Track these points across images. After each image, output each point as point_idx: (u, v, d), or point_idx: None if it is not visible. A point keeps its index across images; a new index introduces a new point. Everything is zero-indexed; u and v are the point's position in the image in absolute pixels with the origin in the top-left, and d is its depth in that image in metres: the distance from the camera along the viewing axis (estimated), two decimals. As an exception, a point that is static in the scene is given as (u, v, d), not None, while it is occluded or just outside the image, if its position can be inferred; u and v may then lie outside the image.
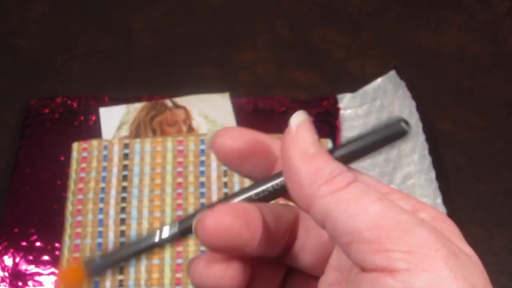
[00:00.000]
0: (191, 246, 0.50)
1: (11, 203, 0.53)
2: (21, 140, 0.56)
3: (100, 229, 0.50)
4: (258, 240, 0.22)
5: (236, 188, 0.53)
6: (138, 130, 0.57)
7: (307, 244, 0.25)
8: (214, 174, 0.53)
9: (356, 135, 0.23)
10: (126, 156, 0.54)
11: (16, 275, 0.49)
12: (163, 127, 0.57)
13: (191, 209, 0.51)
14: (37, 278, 0.49)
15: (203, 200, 0.52)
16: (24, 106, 0.59)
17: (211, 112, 0.58)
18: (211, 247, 0.22)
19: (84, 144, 0.54)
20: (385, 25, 0.68)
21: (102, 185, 0.52)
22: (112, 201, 0.52)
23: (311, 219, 0.24)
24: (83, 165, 0.53)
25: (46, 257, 0.50)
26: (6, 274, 0.49)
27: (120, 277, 0.49)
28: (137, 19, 0.68)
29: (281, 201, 0.26)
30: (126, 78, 0.63)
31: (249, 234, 0.22)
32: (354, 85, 0.60)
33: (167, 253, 0.50)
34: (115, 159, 0.54)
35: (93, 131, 0.57)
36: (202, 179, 0.53)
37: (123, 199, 0.52)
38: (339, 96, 0.60)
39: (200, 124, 0.57)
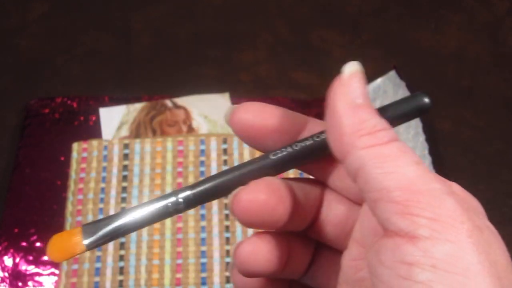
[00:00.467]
0: (191, 246, 0.50)
1: (11, 203, 0.53)
2: (21, 140, 0.56)
3: (100, 229, 0.50)
4: (289, 215, 0.23)
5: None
6: (138, 130, 0.57)
7: (329, 216, 0.25)
8: (214, 174, 0.53)
9: (382, 106, 0.23)
10: (126, 156, 0.54)
11: (16, 276, 0.49)
12: (163, 127, 0.57)
13: (191, 210, 0.51)
14: (37, 278, 0.49)
15: (203, 200, 0.52)
16: (24, 106, 0.59)
17: (211, 112, 0.58)
18: (246, 223, 0.23)
19: (84, 144, 0.54)
20: (385, 25, 0.68)
21: (102, 185, 0.52)
22: (112, 201, 0.52)
23: (333, 193, 0.25)
24: (83, 165, 0.53)
25: (46, 257, 0.50)
26: (6, 274, 0.49)
27: (120, 277, 0.49)
28: (137, 19, 0.68)
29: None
30: (126, 78, 0.63)
31: (283, 209, 0.23)
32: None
33: (167, 253, 0.50)
34: (115, 159, 0.54)
35: (93, 131, 0.57)
36: (202, 179, 0.53)
37: (123, 199, 0.52)
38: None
39: (200, 124, 0.57)
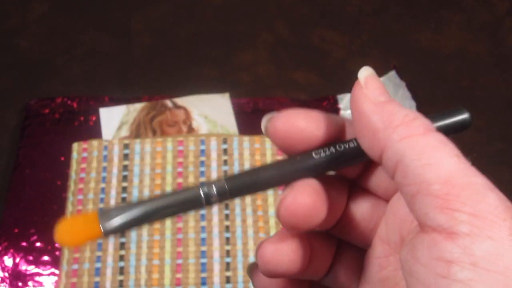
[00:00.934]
0: (191, 246, 0.50)
1: (11, 203, 0.53)
2: (21, 140, 0.56)
3: (100, 229, 0.50)
4: (325, 215, 0.22)
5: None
6: (138, 131, 0.57)
7: (355, 213, 0.25)
8: (214, 174, 0.53)
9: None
10: (126, 157, 0.54)
11: (16, 276, 0.49)
12: (163, 127, 0.57)
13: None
14: (37, 278, 0.49)
15: (203, 200, 0.52)
16: (24, 106, 0.59)
17: (211, 112, 0.58)
18: (291, 227, 0.22)
19: (84, 145, 0.54)
20: (385, 25, 0.68)
21: (102, 185, 0.52)
22: (112, 202, 0.52)
23: (358, 190, 0.24)
24: (83, 165, 0.53)
25: (46, 257, 0.50)
26: (6, 274, 0.49)
27: (120, 277, 0.49)
28: (137, 19, 0.68)
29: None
30: (126, 78, 0.63)
31: (326, 211, 0.22)
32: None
33: (167, 253, 0.50)
34: (115, 160, 0.54)
35: (93, 131, 0.57)
36: (202, 179, 0.53)
37: (123, 200, 0.52)
38: (339, 96, 0.60)
39: (200, 124, 0.57)
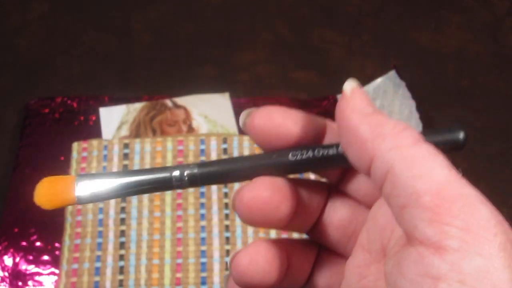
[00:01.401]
0: (191, 246, 0.50)
1: (11, 203, 0.53)
2: (21, 140, 0.56)
3: (100, 229, 0.50)
4: (293, 214, 0.22)
5: (236, 187, 0.53)
6: (138, 130, 0.57)
7: (333, 218, 0.25)
8: (214, 174, 0.53)
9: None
10: (126, 156, 0.54)
11: (16, 275, 0.49)
12: (163, 127, 0.57)
13: (191, 209, 0.51)
14: (37, 278, 0.49)
15: (203, 201, 0.52)
16: (24, 106, 0.59)
17: (211, 112, 0.58)
18: (248, 221, 0.22)
19: (84, 144, 0.54)
20: (385, 25, 0.68)
21: (102, 185, 0.52)
22: (112, 201, 0.52)
23: (338, 194, 0.24)
24: (83, 165, 0.53)
25: (46, 257, 0.50)
26: (6, 274, 0.49)
27: (120, 277, 0.49)
28: (137, 19, 0.68)
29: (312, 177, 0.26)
30: (126, 78, 0.63)
31: (286, 208, 0.22)
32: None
33: (167, 252, 0.50)
34: (115, 159, 0.54)
35: (93, 131, 0.57)
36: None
37: (123, 199, 0.52)
38: (339, 96, 0.60)
39: (200, 124, 0.57)
